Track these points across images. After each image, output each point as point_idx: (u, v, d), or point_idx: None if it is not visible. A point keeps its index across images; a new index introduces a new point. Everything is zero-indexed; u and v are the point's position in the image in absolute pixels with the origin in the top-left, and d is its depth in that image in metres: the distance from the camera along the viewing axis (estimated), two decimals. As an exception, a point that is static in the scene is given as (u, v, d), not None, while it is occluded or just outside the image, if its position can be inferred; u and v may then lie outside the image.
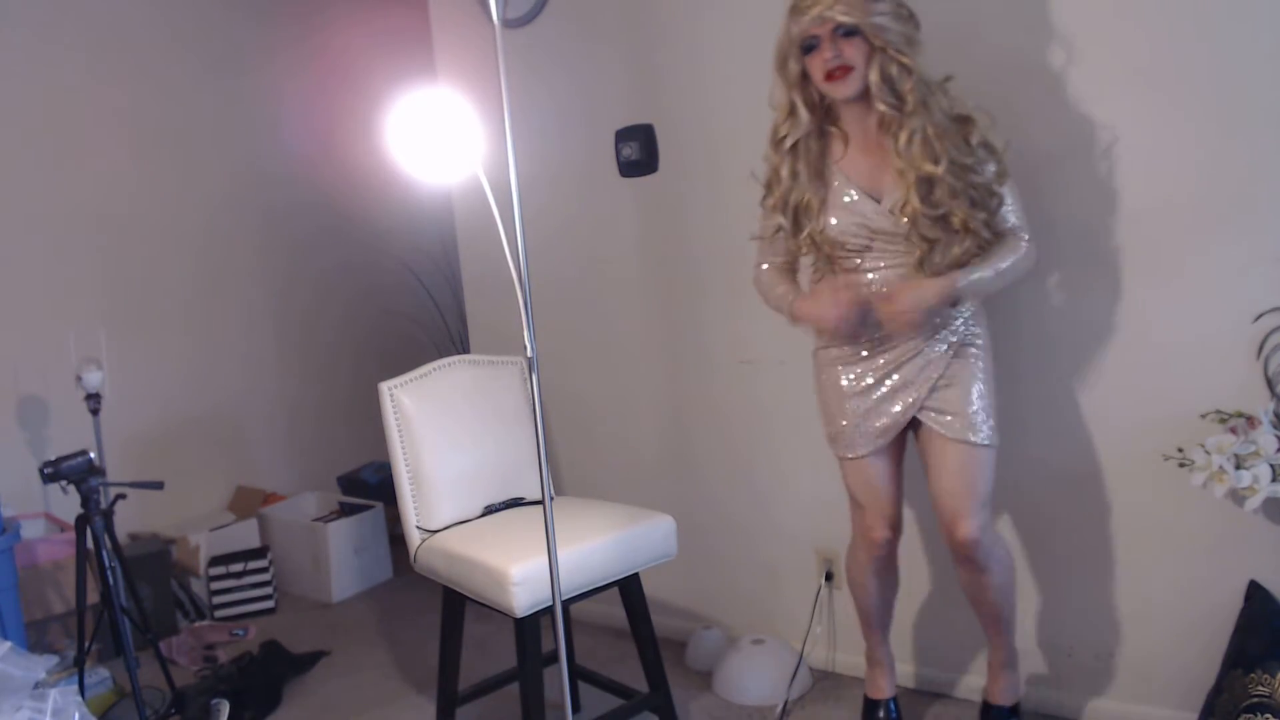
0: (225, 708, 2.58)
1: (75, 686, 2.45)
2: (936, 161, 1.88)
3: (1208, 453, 1.95)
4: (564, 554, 1.97)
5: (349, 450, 4.25)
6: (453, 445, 2.39)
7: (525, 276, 1.71)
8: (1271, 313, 1.97)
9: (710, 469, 2.87)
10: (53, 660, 2.59)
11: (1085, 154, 2.13)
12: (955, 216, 1.92)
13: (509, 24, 2.96)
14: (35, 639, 2.99)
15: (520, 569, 2.02)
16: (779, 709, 2.50)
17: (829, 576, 2.65)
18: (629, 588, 2.25)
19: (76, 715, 2.35)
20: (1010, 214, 1.98)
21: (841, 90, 1.93)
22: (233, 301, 4.01)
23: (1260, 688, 1.94)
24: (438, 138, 1.70)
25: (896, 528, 2.17)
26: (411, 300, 4.34)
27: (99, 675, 2.81)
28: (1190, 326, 2.07)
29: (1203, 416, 2.02)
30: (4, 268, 3.35)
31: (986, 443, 2.01)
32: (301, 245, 4.22)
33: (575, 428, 3.15)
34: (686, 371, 2.88)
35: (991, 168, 1.94)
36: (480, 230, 3.06)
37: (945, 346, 2.02)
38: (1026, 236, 1.99)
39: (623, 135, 2.84)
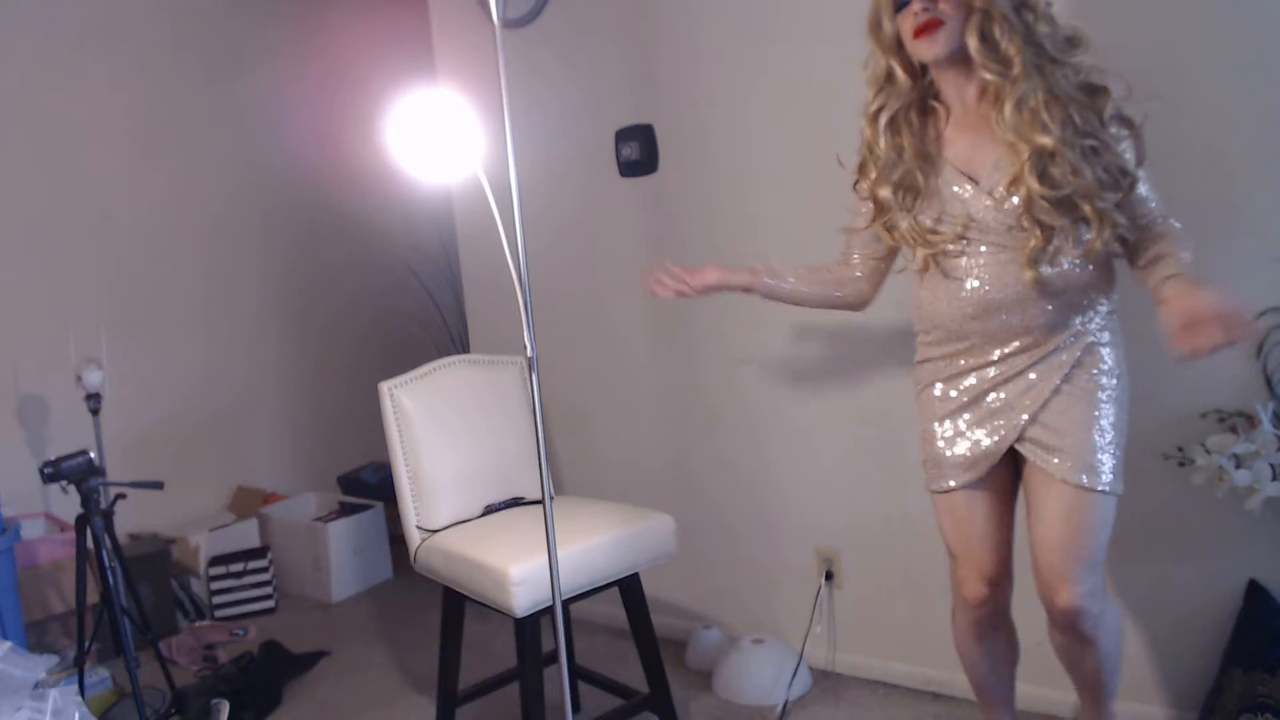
0: (225, 708, 2.58)
1: (75, 686, 2.45)
2: (1046, 132, 1.60)
3: (1208, 452, 1.94)
4: (564, 554, 1.98)
5: (349, 450, 4.25)
6: (453, 445, 2.39)
7: (525, 276, 1.71)
8: (1271, 312, 1.97)
9: (710, 468, 2.87)
10: (53, 660, 2.58)
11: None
12: (1084, 201, 1.61)
13: (509, 24, 2.96)
14: (35, 639, 3.00)
15: (520, 569, 2.02)
16: (779, 709, 2.50)
17: (829, 576, 2.65)
18: (629, 588, 2.25)
19: (76, 715, 2.35)
20: (1150, 200, 1.69)
21: (930, 49, 1.68)
22: (233, 301, 4.01)
23: (1260, 687, 1.94)
24: (438, 138, 1.70)
25: (997, 583, 1.85)
26: (412, 300, 4.34)
27: (99, 675, 2.81)
28: (1190, 326, 2.07)
29: (1203, 416, 2.02)
30: (4, 268, 3.35)
31: (1105, 489, 1.69)
32: (302, 245, 4.23)
33: (575, 428, 3.15)
34: (686, 371, 2.88)
35: (1127, 149, 1.66)
36: (480, 230, 3.05)
37: (1065, 356, 1.71)
38: (1176, 223, 1.70)
39: (623, 135, 2.84)
